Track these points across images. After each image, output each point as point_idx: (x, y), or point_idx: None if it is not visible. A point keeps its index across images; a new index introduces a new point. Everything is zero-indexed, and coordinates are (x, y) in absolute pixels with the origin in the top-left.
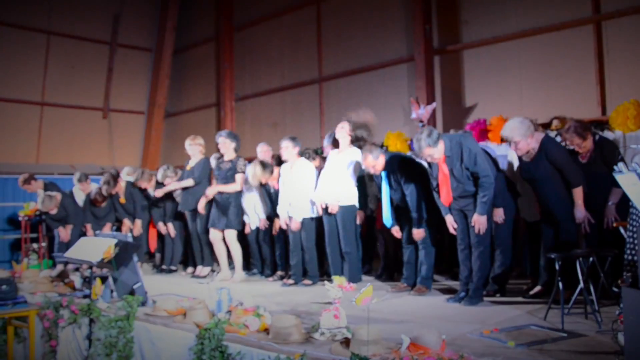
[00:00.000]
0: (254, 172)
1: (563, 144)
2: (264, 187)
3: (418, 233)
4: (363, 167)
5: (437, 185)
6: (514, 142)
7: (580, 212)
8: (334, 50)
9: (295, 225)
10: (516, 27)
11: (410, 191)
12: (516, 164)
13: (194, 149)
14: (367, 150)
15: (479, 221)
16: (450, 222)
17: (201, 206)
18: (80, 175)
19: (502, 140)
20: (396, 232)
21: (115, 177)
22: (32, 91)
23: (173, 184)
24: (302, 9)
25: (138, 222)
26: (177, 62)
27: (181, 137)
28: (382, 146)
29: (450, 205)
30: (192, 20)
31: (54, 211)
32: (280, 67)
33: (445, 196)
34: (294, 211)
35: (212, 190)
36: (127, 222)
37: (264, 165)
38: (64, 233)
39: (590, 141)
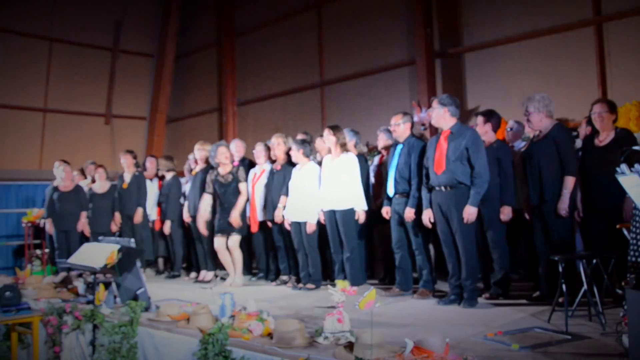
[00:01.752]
0: None
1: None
2: None
3: (410, 212)
4: (392, 122)
5: (429, 162)
6: (527, 113)
7: (564, 202)
8: (336, 54)
9: (311, 229)
10: (517, 30)
11: (416, 175)
12: None
13: (202, 154)
14: (401, 113)
15: (468, 211)
16: (429, 215)
17: (237, 222)
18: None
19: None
20: (386, 212)
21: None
22: (35, 98)
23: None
24: (303, 13)
25: (140, 210)
26: (179, 68)
27: (184, 143)
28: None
29: (431, 199)
30: (194, 25)
31: (68, 185)
32: (281, 71)
33: (438, 165)
34: (308, 214)
35: (236, 220)
36: (139, 210)
37: None
38: (82, 225)
39: (611, 124)
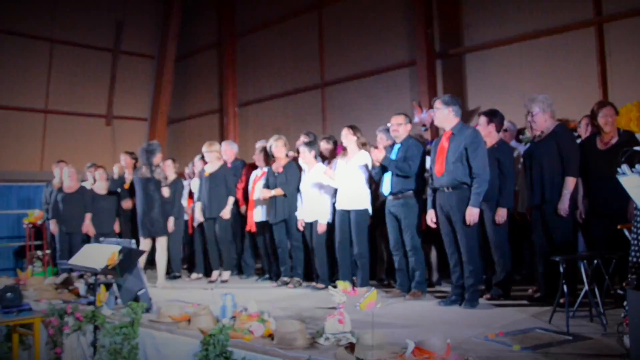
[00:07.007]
0: None
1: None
2: None
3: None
4: (391, 123)
5: (432, 163)
6: (531, 114)
7: (564, 202)
8: (336, 55)
9: (321, 229)
10: (518, 30)
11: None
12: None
13: (211, 155)
14: (402, 115)
15: (469, 213)
16: (431, 216)
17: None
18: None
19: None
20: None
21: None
22: (36, 99)
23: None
24: (304, 14)
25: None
26: (180, 69)
27: (185, 144)
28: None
29: (434, 199)
30: (194, 26)
31: (72, 186)
32: (282, 72)
33: (439, 166)
34: (320, 214)
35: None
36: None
37: None
38: (86, 227)
39: (615, 129)
